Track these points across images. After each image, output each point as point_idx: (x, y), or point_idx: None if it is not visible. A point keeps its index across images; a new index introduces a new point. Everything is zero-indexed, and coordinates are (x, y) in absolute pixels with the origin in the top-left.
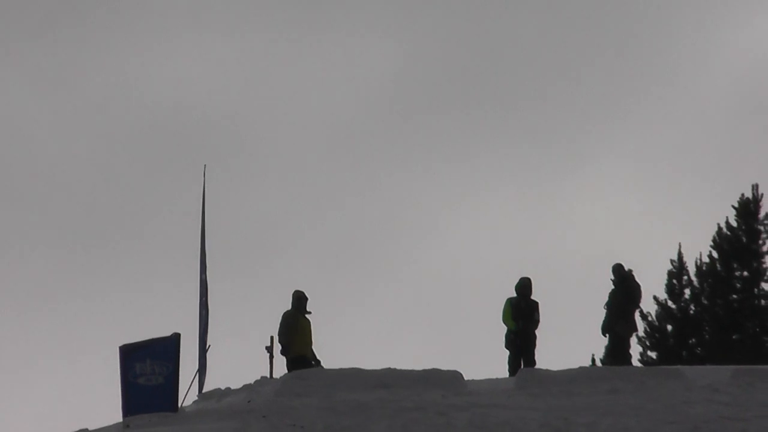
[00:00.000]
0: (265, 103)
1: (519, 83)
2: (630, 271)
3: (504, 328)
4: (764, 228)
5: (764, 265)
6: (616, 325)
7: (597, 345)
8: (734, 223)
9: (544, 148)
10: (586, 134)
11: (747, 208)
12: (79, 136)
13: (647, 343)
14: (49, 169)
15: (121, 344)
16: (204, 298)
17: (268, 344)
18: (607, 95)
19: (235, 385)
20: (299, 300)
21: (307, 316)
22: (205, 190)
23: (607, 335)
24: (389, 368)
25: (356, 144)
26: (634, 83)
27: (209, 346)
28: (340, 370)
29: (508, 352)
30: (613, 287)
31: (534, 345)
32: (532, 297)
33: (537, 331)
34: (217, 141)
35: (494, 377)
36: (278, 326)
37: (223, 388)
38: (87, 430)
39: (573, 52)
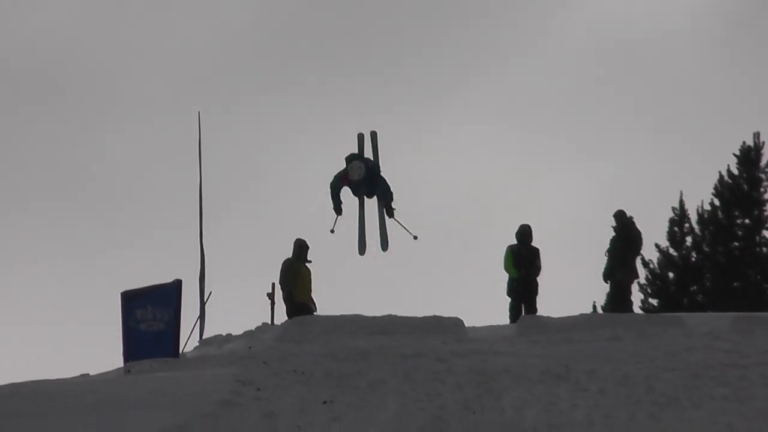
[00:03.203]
0: (259, 48)
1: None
2: (631, 218)
3: (505, 276)
4: (765, 176)
5: (765, 213)
6: (617, 272)
7: (598, 292)
8: (735, 171)
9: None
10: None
11: (748, 156)
12: (79, 83)
13: (648, 291)
14: (49, 117)
15: (122, 290)
16: (201, 246)
17: (269, 291)
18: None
19: (236, 331)
20: (300, 248)
21: (307, 264)
22: (201, 136)
23: (608, 282)
24: (390, 315)
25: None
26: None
27: (210, 292)
28: (341, 316)
29: (509, 300)
30: (614, 234)
31: (535, 292)
32: (533, 244)
33: (538, 279)
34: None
35: (495, 324)
36: (278, 274)
37: (224, 334)
38: (88, 375)
39: None
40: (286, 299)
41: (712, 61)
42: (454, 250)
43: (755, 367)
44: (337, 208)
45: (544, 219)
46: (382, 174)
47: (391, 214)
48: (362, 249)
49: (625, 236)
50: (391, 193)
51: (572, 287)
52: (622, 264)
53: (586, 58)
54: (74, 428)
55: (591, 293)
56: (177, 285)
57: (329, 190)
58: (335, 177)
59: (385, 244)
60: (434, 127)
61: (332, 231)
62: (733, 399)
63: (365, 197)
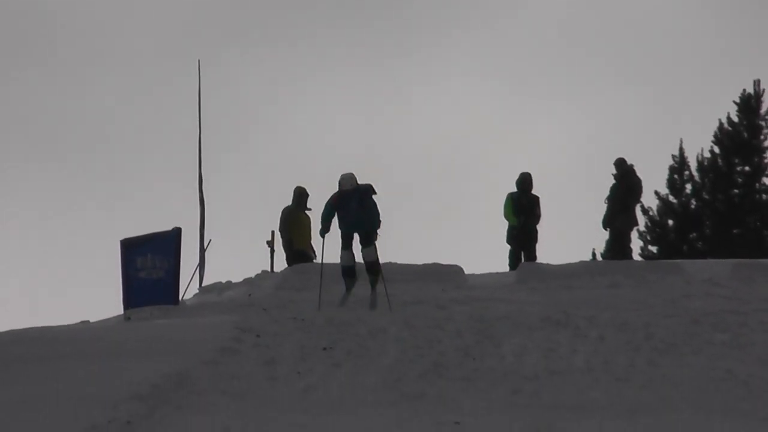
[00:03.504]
0: None
1: None
2: (632, 166)
3: (505, 223)
4: (765, 123)
5: (765, 160)
6: (617, 220)
7: (598, 239)
8: (736, 119)
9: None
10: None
11: (748, 103)
12: (77, 31)
13: (648, 238)
14: (47, 64)
15: (122, 238)
16: (201, 194)
17: (269, 239)
18: None
19: (236, 279)
20: (300, 196)
21: (307, 212)
22: (200, 84)
23: (608, 229)
24: (390, 262)
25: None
26: None
27: (209, 240)
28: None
29: (508, 247)
30: (614, 182)
31: (535, 240)
32: (533, 192)
33: (538, 226)
34: (210, 35)
35: (495, 272)
36: (278, 222)
37: (223, 281)
38: (88, 322)
39: None
40: (285, 247)
41: (713, 7)
42: (453, 198)
43: (755, 313)
44: (325, 229)
45: (544, 167)
46: (374, 198)
47: (372, 241)
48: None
49: (626, 184)
50: (379, 220)
51: (572, 235)
52: (621, 211)
53: (585, 4)
54: (74, 375)
55: (590, 240)
56: (177, 233)
57: (322, 214)
58: (327, 203)
59: (373, 304)
60: (427, 76)
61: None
62: (733, 345)
63: (354, 220)
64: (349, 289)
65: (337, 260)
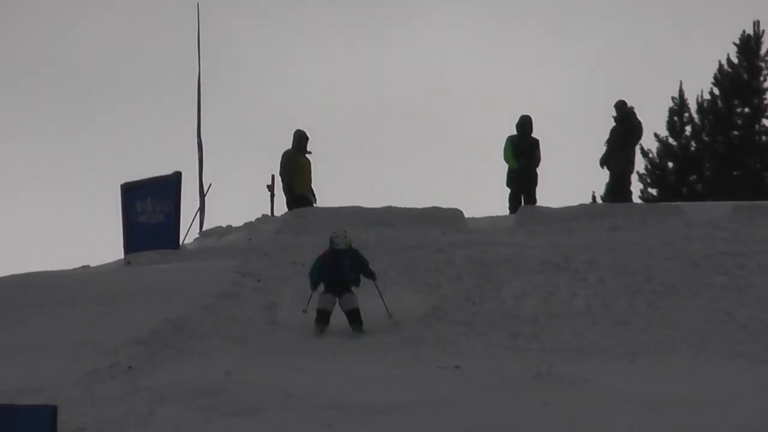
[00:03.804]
0: None
1: None
2: (632, 108)
3: (505, 167)
4: (765, 65)
5: (765, 102)
6: (617, 162)
7: (598, 182)
8: (735, 60)
9: None
10: None
11: (748, 44)
12: None
13: (648, 180)
14: (45, 5)
15: (122, 182)
16: (199, 138)
17: (269, 183)
18: None
19: (236, 223)
20: (300, 140)
21: (307, 156)
22: (200, 27)
23: (605, 167)
24: (389, 206)
25: None
26: None
27: (209, 184)
28: (341, 208)
29: (508, 190)
30: (615, 124)
31: (535, 183)
32: (533, 135)
33: (538, 170)
34: None
35: (494, 215)
36: (278, 166)
37: (224, 226)
38: (89, 267)
39: None
40: (285, 191)
41: None
42: (453, 141)
43: (754, 255)
44: (314, 286)
45: (543, 109)
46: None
47: (373, 277)
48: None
49: (627, 126)
50: (373, 272)
51: (571, 178)
52: (621, 153)
53: None
54: (75, 319)
55: (590, 183)
56: (177, 177)
57: (310, 271)
58: (317, 259)
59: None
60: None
61: (304, 311)
62: (732, 287)
63: (344, 277)
64: (318, 332)
65: (336, 204)
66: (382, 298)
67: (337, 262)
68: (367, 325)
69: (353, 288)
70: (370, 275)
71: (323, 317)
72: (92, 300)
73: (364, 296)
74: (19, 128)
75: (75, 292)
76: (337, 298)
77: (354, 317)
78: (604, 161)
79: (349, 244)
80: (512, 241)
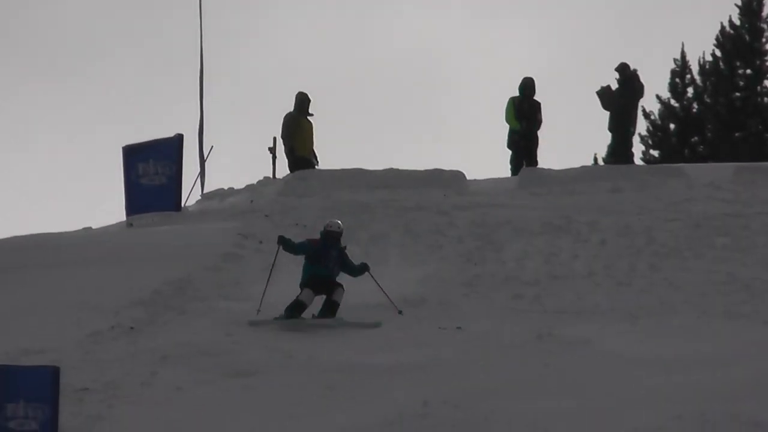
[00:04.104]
0: None
1: None
2: (635, 70)
3: (506, 128)
4: (767, 26)
5: (767, 63)
6: (619, 124)
7: (599, 144)
8: (737, 22)
9: None
10: None
11: (750, 6)
12: None
13: (650, 142)
14: None
15: (124, 145)
16: (201, 100)
17: (271, 145)
18: None
19: (238, 185)
20: (302, 102)
21: (309, 118)
22: None
23: (610, 132)
24: (391, 168)
25: None
26: None
27: (211, 147)
28: (342, 170)
29: (510, 152)
30: (617, 86)
31: (536, 145)
32: (535, 98)
33: (540, 132)
34: None
35: (496, 177)
36: (280, 128)
37: (225, 188)
38: (91, 228)
39: None
40: (287, 153)
41: None
42: (454, 103)
43: (756, 216)
44: (289, 248)
45: (544, 71)
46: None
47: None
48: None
49: (628, 88)
50: (363, 265)
51: (573, 139)
52: (623, 115)
53: None
54: (77, 281)
55: (592, 145)
56: (179, 139)
57: (296, 244)
58: (306, 240)
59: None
60: None
61: (258, 311)
62: (735, 248)
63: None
64: (283, 317)
65: (338, 166)
66: (384, 293)
67: (325, 250)
68: (375, 316)
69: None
70: (360, 269)
71: (298, 308)
72: (94, 262)
73: (365, 286)
74: (20, 89)
75: (77, 254)
76: (316, 297)
77: (331, 308)
78: (610, 127)
79: (341, 233)
80: (514, 203)
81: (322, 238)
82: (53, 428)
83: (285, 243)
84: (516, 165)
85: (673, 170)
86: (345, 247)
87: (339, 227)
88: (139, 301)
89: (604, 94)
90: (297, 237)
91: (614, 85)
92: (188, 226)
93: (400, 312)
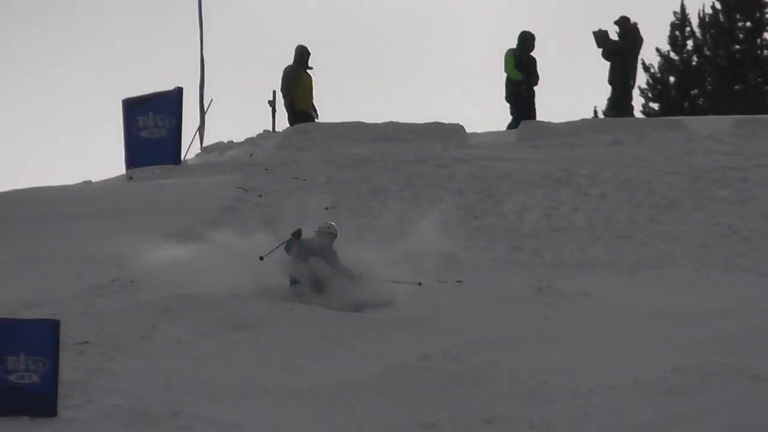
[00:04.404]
0: None
1: None
2: (635, 24)
3: (503, 82)
4: None
5: (767, 16)
6: (619, 77)
7: (599, 97)
8: None
9: None
10: None
11: None
12: None
13: (649, 95)
14: None
15: (123, 98)
16: (202, 54)
17: (271, 98)
18: None
19: (238, 138)
20: (301, 55)
21: (308, 71)
22: None
23: (610, 85)
24: (391, 122)
25: None
26: None
27: (211, 100)
28: (342, 123)
29: (509, 105)
30: (617, 39)
31: (533, 99)
32: (532, 54)
33: (538, 87)
34: None
35: (496, 130)
36: (280, 81)
37: (225, 141)
38: (90, 182)
39: None
40: (287, 106)
41: None
42: (454, 56)
43: (756, 169)
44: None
45: (545, 23)
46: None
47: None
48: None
49: (630, 41)
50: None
51: (573, 92)
52: (622, 67)
53: None
54: (77, 234)
55: (592, 98)
56: (179, 92)
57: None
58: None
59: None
60: None
61: (261, 258)
62: (734, 201)
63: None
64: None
65: (337, 119)
66: (396, 281)
67: (322, 246)
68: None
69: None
70: (350, 277)
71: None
72: (94, 215)
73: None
74: (19, 42)
75: (77, 207)
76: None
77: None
78: (609, 80)
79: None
80: (514, 156)
81: (318, 238)
82: (53, 381)
83: (290, 245)
84: (516, 118)
85: (672, 123)
86: (336, 251)
87: (335, 229)
88: (140, 255)
89: (600, 36)
90: (296, 190)
91: (615, 37)
92: (188, 179)
93: (419, 284)
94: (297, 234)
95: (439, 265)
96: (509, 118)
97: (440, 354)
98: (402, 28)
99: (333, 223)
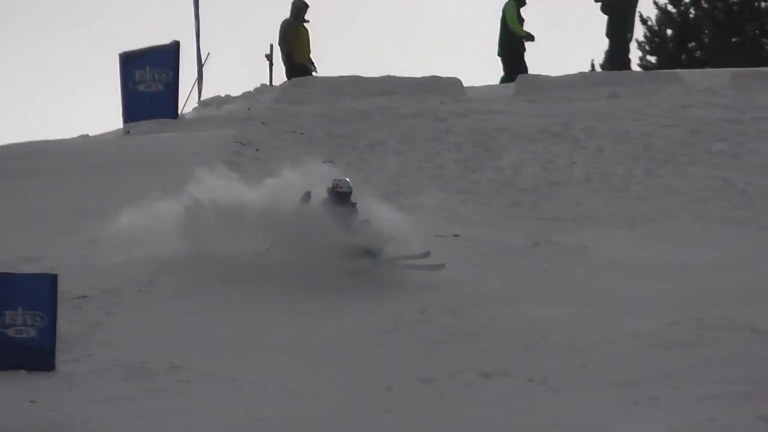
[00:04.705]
0: None
1: None
2: None
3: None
4: None
5: None
6: (614, 28)
7: (597, 51)
8: None
9: None
10: None
11: None
12: None
13: (647, 48)
14: None
15: (120, 52)
16: (197, 7)
17: (268, 52)
18: None
19: (235, 92)
20: (299, 8)
21: (306, 25)
22: None
23: (607, 38)
24: (388, 75)
25: None
26: None
27: (208, 54)
28: (340, 77)
29: (500, 60)
30: None
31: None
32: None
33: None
34: None
35: (494, 84)
36: (277, 35)
37: (222, 95)
38: (88, 136)
39: None
40: (284, 60)
41: None
42: (450, 9)
43: (753, 122)
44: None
45: None
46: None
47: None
48: None
49: None
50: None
51: (570, 46)
52: (619, 20)
53: None
54: (74, 188)
55: (589, 51)
56: (175, 46)
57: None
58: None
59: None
60: None
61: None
62: (731, 154)
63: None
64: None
65: (335, 73)
66: (416, 264)
67: (335, 208)
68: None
69: None
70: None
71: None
72: (92, 169)
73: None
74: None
75: (75, 162)
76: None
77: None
78: (606, 33)
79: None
80: (511, 110)
81: (331, 197)
82: (51, 336)
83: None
84: (509, 73)
85: (670, 76)
86: (356, 204)
87: (349, 186)
88: (137, 208)
89: None
90: (294, 145)
91: None
92: (185, 133)
93: (442, 265)
94: (306, 197)
95: (436, 219)
96: (501, 72)
97: (438, 308)
98: None
99: (347, 179)
